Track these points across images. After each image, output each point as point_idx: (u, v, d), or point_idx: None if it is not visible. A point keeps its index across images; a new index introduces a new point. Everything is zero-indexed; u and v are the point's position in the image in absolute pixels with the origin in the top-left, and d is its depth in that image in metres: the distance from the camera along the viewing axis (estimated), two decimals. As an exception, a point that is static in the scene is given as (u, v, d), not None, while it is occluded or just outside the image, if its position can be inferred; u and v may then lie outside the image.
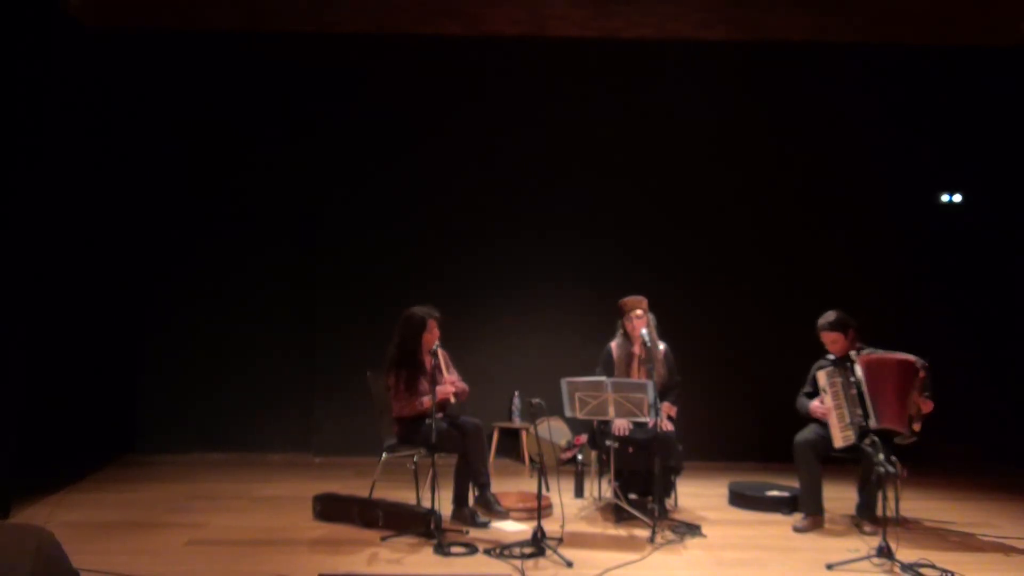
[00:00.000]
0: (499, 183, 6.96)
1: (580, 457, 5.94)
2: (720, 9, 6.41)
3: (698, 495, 5.62)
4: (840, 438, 4.75)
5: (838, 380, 4.81)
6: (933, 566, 4.02)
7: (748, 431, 6.76)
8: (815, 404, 4.87)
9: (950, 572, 3.96)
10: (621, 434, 5.03)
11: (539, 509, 4.36)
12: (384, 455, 5.02)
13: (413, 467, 4.94)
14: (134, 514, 5.06)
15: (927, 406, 4.63)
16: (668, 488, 5.17)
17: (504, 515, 4.84)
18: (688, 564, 4.20)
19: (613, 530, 4.79)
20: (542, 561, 4.11)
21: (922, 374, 4.60)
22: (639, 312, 5.22)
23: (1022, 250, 6.91)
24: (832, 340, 4.88)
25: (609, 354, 5.34)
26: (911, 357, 4.65)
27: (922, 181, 7.04)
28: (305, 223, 7.02)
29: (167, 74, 6.94)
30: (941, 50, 6.93)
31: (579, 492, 5.61)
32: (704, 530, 4.70)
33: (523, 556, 4.14)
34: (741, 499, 5.39)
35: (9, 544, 2.33)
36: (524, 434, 6.65)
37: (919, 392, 4.60)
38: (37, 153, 5.46)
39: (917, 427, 4.63)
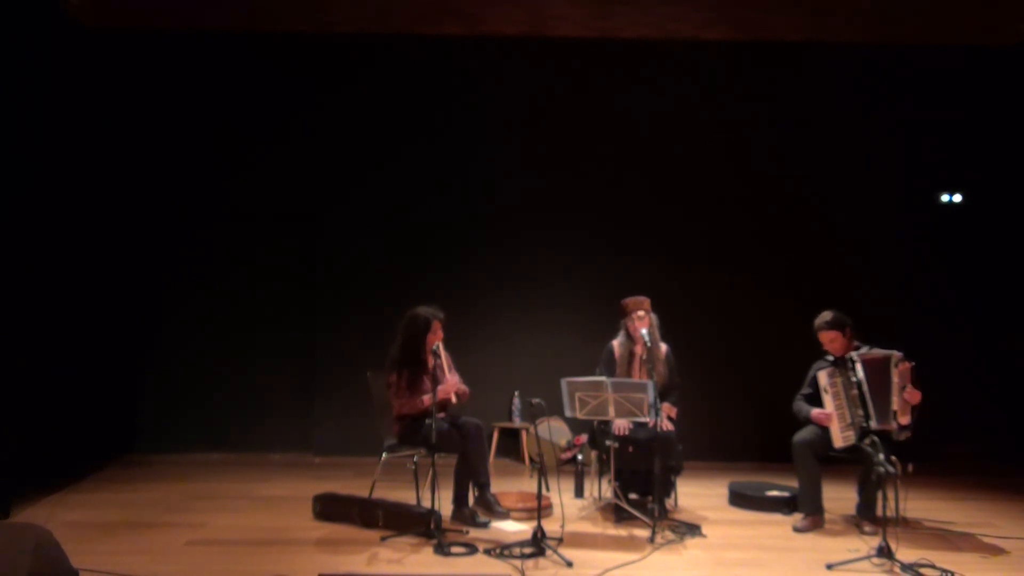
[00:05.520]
0: (499, 183, 6.96)
1: (580, 457, 5.94)
2: (721, 9, 6.41)
3: (698, 495, 5.62)
4: (840, 438, 4.75)
5: (839, 380, 4.82)
6: (933, 566, 4.02)
7: (747, 431, 6.76)
8: (817, 412, 4.86)
9: (950, 572, 3.96)
10: (621, 434, 5.03)
11: (539, 509, 4.36)
12: (384, 455, 5.02)
13: (413, 467, 4.94)
14: (134, 514, 5.06)
15: (914, 397, 4.64)
16: (668, 488, 5.17)
17: (504, 515, 4.83)
18: (688, 564, 4.20)
19: (613, 530, 4.79)
20: (542, 561, 4.11)
21: (901, 366, 4.63)
22: (641, 313, 5.22)
23: (1022, 250, 6.91)
24: (831, 339, 4.89)
25: (611, 353, 5.34)
26: (890, 352, 4.69)
27: (922, 181, 7.04)
28: (305, 223, 7.02)
29: (167, 74, 6.94)
30: (941, 50, 6.93)
31: (579, 492, 5.60)
32: (704, 530, 4.70)
33: (523, 556, 4.14)
34: (741, 499, 5.39)
35: (8, 543, 2.34)
36: (524, 434, 6.65)
37: (900, 385, 4.62)
38: (37, 153, 5.46)
39: (904, 420, 4.64)
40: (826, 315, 4.92)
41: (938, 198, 7.09)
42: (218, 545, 4.44)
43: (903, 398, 4.63)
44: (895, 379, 4.64)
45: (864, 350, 4.84)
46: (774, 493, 5.34)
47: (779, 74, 7.00)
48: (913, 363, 4.68)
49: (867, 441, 4.32)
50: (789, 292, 6.79)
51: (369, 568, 4.06)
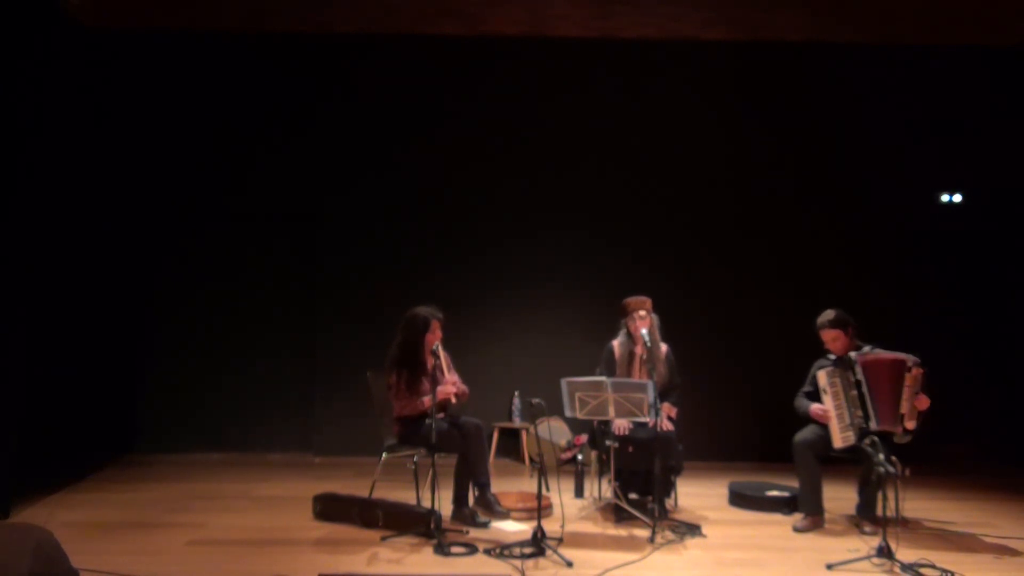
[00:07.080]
0: (499, 183, 6.96)
1: (580, 457, 5.94)
2: (721, 9, 6.40)
3: (698, 495, 5.62)
4: (840, 439, 4.74)
5: (838, 380, 4.81)
6: (933, 566, 4.02)
7: (747, 431, 6.76)
8: (815, 407, 4.87)
9: (950, 572, 3.95)
10: (621, 434, 5.03)
11: (539, 509, 4.36)
12: (384, 455, 5.02)
13: (413, 467, 4.94)
14: (134, 514, 5.06)
15: (923, 403, 4.63)
16: (668, 488, 5.17)
17: (504, 515, 4.83)
18: (688, 564, 4.20)
19: (613, 530, 4.79)
20: (542, 561, 4.11)
21: (915, 371, 4.60)
22: (642, 313, 5.21)
23: (1021, 250, 6.91)
24: (832, 338, 4.88)
25: (611, 353, 5.33)
26: (903, 355, 4.67)
27: (922, 181, 7.04)
28: (305, 223, 7.02)
29: (167, 74, 6.94)
30: (941, 50, 6.93)
31: (579, 492, 5.60)
32: (704, 530, 4.70)
33: (523, 556, 4.13)
34: (741, 499, 5.39)
35: (8, 544, 2.33)
36: (524, 434, 6.65)
37: (912, 390, 4.60)
38: (37, 153, 5.46)
39: (910, 425, 4.62)
40: (828, 313, 4.92)
41: (938, 198, 7.09)
42: (218, 545, 4.44)
43: (913, 404, 4.62)
44: (907, 383, 4.60)
45: (867, 350, 4.84)
46: (774, 493, 5.34)
47: (779, 74, 7.00)
48: (925, 369, 4.66)
49: (867, 441, 4.31)
50: (789, 292, 6.79)
51: (369, 568, 4.06)
